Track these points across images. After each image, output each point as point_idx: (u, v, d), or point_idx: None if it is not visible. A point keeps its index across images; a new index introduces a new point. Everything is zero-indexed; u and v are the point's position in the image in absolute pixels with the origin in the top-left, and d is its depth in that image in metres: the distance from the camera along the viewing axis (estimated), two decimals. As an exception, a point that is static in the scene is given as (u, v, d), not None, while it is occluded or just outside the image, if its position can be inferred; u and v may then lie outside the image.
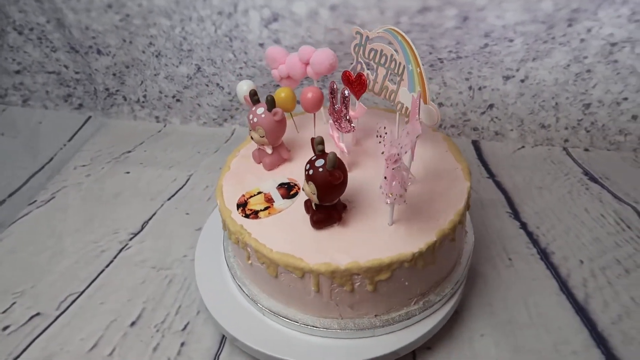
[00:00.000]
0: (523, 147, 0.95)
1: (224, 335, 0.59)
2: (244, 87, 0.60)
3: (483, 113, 0.94)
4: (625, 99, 0.86)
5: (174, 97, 1.06)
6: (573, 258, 0.68)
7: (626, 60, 0.83)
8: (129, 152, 1.01)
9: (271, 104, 0.56)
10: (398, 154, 0.43)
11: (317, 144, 0.47)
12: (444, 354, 0.56)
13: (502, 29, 0.82)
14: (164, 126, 1.10)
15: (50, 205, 0.85)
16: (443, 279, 0.55)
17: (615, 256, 0.68)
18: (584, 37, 0.81)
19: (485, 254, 0.69)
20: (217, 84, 1.00)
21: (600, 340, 0.56)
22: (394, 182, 0.44)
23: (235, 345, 0.57)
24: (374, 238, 0.49)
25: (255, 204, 0.55)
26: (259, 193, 0.57)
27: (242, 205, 0.55)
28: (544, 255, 0.69)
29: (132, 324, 0.62)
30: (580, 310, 0.60)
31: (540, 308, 0.61)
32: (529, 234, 0.73)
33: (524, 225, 0.75)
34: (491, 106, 0.93)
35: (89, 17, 0.97)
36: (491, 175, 0.87)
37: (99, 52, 1.02)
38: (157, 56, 1.01)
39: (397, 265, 0.47)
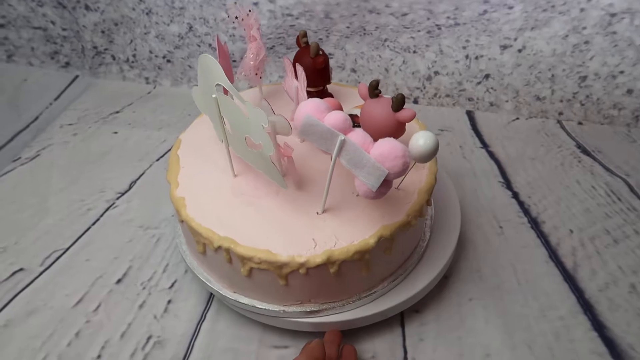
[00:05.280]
0: (517, 118, 0.94)
1: (211, 294, 0.59)
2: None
3: (479, 83, 0.93)
4: (622, 72, 0.86)
5: (164, 57, 1.03)
6: (563, 227, 0.68)
7: (625, 32, 0.82)
8: (117, 112, 0.98)
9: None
10: None
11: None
12: (432, 317, 0.56)
13: (502, -5, 0.80)
14: (154, 88, 1.07)
15: (35, 162, 0.83)
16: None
17: (605, 226, 0.68)
18: (584, 6, 0.80)
19: (476, 221, 0.69)
20: (210, 45, 0.98)
21: (587, 306, 0.57)
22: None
23: (223, 303, 0.56)
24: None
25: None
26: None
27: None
28: (535, 224, 0.69)
29: (118, 281, 0.61)
30: (569, 278, 0.60)
31: (529, 275, 0.61)
32: (520, 204, 0.73)
33: (515, 195, 0.74)
34: (487, 76, 0.92)
35: (77, -30, 0.93)
36: (484, 145, 0.86)
37: (87, 7, 0.99)
38: (147, 14, 0.98)
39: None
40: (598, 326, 0.55)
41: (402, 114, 0.47)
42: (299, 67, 0.53)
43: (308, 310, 0.50)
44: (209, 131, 0.58)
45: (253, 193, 0.51)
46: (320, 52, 0.57)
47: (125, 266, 0.63)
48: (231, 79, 0.58)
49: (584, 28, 0.82)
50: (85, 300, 0.59)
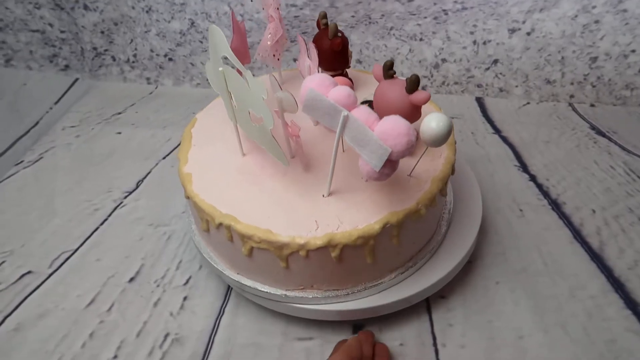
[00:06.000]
0: (528, 103, 0.92)
1: (229, 288, 0.57)
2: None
3: (487, 69, 0.92)
4: (633, 51, 0.84)
5: (165, 55, 1.01)
6: (585, 208, 0.66)
7: (636, 9, 0.80)
8: (120, 113, 0.97)
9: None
10: None
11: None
12: (459, 302, 0.54)
13: (510, -25, 0.79)
14: (156, 88, 1.06)
15: (38, 165, 0.81)
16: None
17: (628, 205, 0.66)
18: (593, -16, 0.79)
19: (496, 205, 0.67)
20: (212, 40, 0.96)
21: (617, 285, 0.55)
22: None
23: (242, 297, 0.54)
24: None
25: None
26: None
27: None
28: (556, 205, 0.67)
29: (131, 279, 0.59)
30: (596, 257, 0.59)
31: (555, 256, 0.59)
32: (539, 186, 0.71)
33: (533, 178, 0.73)
34: (496, 61, 0.91)
35: (74, -31, 0.92)
36: (497, 130, 0.85)
37: (85, 7, 0.97)
38: (147, 11, 0.96)
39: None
40: (631, 304, 0.53)
41: (416, 96, 0.45)
42: (312, 46, 0.51)
43: (311, 296, 0.48)
44: (225, 111, 0.57)
45: (259, 172, 0.50)
46: (339, 34, 0.56)
47: (137, 264, 0.61)
48: (247, 59, 0.56)
49: (594, 7, 0.81)
50: (97, 301, 0.57)
